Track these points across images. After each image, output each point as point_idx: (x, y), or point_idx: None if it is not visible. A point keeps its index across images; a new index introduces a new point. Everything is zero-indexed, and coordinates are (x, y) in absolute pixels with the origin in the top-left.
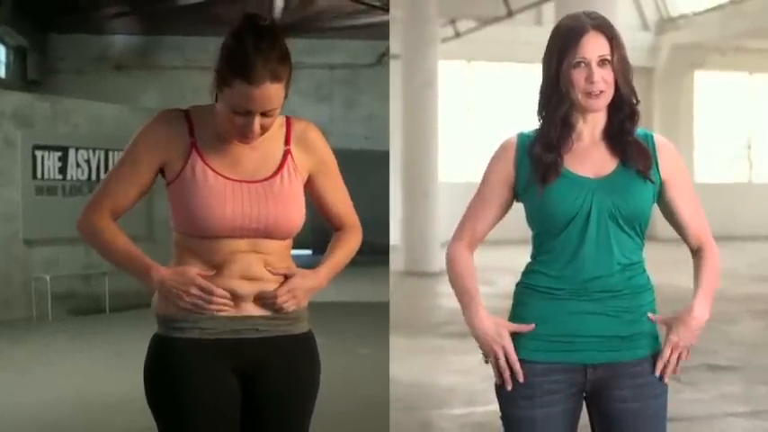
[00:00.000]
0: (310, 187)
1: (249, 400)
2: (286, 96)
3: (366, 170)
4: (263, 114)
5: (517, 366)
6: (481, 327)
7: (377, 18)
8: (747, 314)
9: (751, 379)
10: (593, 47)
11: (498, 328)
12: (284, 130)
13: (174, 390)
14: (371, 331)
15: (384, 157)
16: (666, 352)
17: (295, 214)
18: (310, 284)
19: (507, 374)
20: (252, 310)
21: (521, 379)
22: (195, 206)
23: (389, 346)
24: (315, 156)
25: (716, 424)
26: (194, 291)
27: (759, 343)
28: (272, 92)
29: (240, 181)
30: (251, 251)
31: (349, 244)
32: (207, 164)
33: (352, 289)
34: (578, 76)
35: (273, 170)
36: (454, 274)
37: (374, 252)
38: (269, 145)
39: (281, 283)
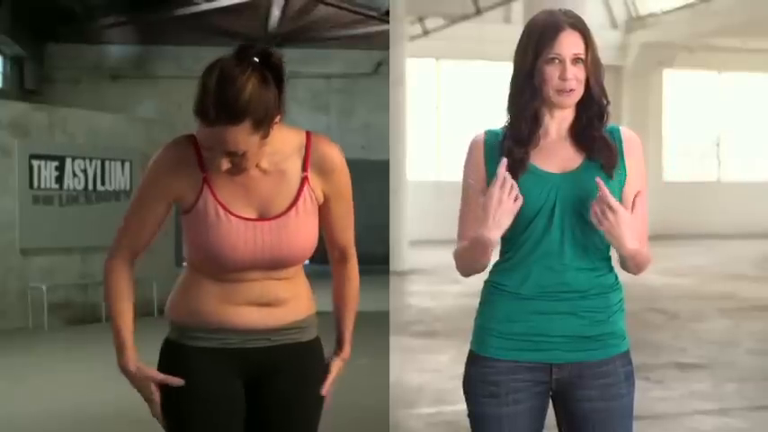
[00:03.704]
0: (321, 209)
1: (258, 405)
2: (266, 136)
3: (363, 180)
4: (231, 154)
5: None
6: (488, 227)
7: (374, 28)
8: (716, 312)
9: (720, 376)
10: (569, 44)
11: (485, 201)
12: (303, 152)
13: (181, 396)
14: (371, 340)
15: (382, 166)
16: (614, 202)
17: (309, 243)
18: (343, 366)
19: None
20: (263, 323)
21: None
22: (207, 244)
23: (389, 355)
24: (332, 181)
25: (685, 422)
26: (154, 398)
27: (727, 341)
28: (230, 134)
29: (253, 220)
30: (265, 279)
31: (355, 291)
32: (219, 201)
33: None
34: (552, 72)
35: (289, 202)
36: (458, 259)
37: (373, 261)
38: (285, 169)
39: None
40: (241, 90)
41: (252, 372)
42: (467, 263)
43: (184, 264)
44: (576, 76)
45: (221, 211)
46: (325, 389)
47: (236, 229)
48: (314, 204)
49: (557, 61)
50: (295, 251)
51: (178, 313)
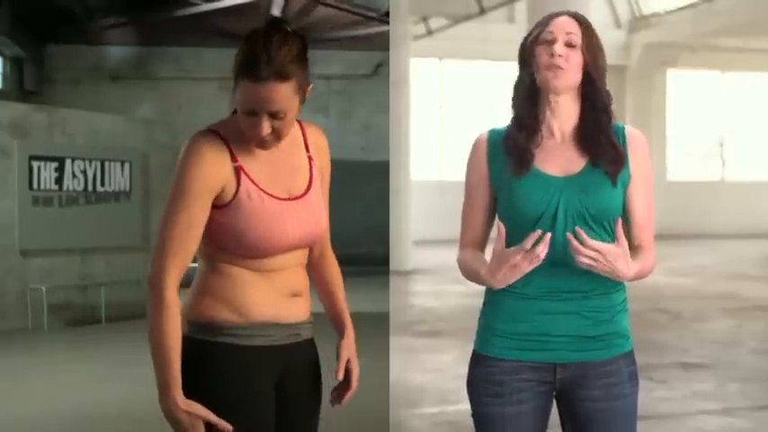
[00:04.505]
0: None
1: (282, 400)
2: (302, 102)
3: (363, 181)
4: (273, 116)
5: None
6: (495, 279)
7: (373, 29)
8: (719, 312)
9: (723, 376)
10: (562, 25)
11: (502, 255)
12: (301, 135)
13: (223, 400)
14: (371, 341)
15: (381, 167)
16: (593, 243)
17: (327, 220)
18: (352, 346)
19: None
20: (296, 316)
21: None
22: (255, 231)
23: (390, 355)
24: (324, 163)
25: (688, 421)
26: None
27: (730, 340)
28: (278, 91)
29: (289, 199)
30: (294, 264)
31: (339, 275)
32: (258, 186)
33: (351, 299)
34: (542, 49)
35: (307, 181)
36: (464, 271)
37: (374, 262)
38: (295, 153)
39: (344, 367)
40: (290, 50)
41: (282, 370)
42: (471, 280)
43: (192, 263)
44: (566, 56)
45: (264, 196)
46: (340, 372)
47: (281, 211)
48: (319, 182)
49: (548, 41)
50: (322, 227)
51: (214, 309)
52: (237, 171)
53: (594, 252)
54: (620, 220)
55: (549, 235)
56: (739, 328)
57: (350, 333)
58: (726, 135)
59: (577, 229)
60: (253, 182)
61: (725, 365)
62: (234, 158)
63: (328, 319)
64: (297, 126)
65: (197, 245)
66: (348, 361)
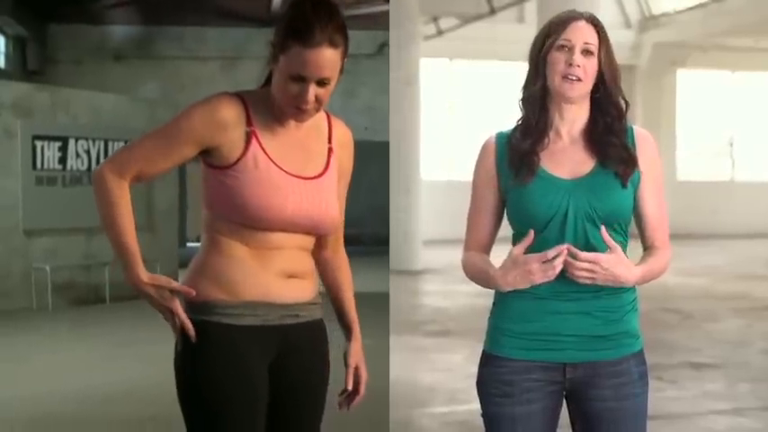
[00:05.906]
0: None
1: (276, 385)
2: (341, 72)
3: (366, 161)
4: (319, 84)
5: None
6: (505, 280)
7: (377, 8)
8: (730, 312)
9: (733, 376)
10: (581, 33)
11: (519, 258)
12: (326, 127)
13: (216, 380)
14: (371, 322)
15: (384, 147)
16: (586, 254)
17: (338, 213)
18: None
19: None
20: (293, 297)
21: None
22: (255, 198)
23: (389, 336)
24: (345, 161)
25: (699, 421)
26: (172, 305)
27: (741, 340)
28: (328, 57)
29: (297, 177)
30: (294, 247)
31: (350, 274)
32: (268, 156)
33: (353, 278)
34: (559, 57)
35: (322, 167)
36: (469, 272)
37: (375, 243)
38: (315, 139)
39: (353, 374)
40: (338, 19)
41: (277, 350)
42: (476, 281)
43: (196, 243)
44: (584, 66)
45: (272, 166)
46: (349, 381)
47: (286, 184)
48: (336, 177)
49: (566, 48)
50: (331, 215)
51: (209, 289)
52: (249, 136)
53: (589, 263)
54: (603, 227)
55: (565, 251)
56: (750, 328)
57: (357, 338)
58: (735, 135)
59: (568, 245)
60: (263, 150)
61: (735, 365)
62: (249, 123)
63: (337, 320)
64: (324, 116)
65: (159, 170)
66: (356, 368)
